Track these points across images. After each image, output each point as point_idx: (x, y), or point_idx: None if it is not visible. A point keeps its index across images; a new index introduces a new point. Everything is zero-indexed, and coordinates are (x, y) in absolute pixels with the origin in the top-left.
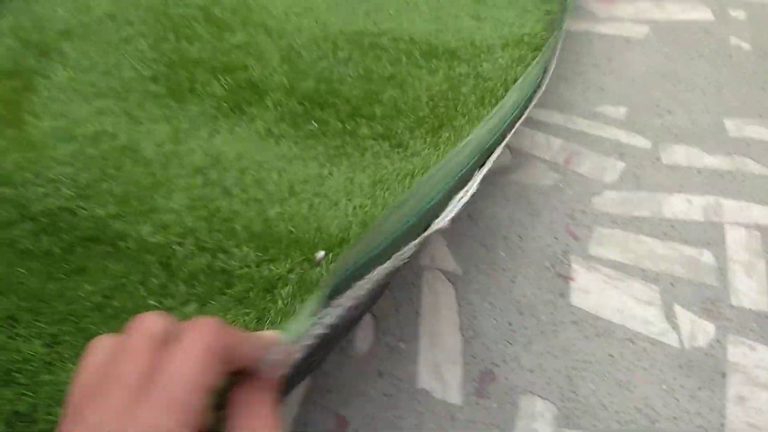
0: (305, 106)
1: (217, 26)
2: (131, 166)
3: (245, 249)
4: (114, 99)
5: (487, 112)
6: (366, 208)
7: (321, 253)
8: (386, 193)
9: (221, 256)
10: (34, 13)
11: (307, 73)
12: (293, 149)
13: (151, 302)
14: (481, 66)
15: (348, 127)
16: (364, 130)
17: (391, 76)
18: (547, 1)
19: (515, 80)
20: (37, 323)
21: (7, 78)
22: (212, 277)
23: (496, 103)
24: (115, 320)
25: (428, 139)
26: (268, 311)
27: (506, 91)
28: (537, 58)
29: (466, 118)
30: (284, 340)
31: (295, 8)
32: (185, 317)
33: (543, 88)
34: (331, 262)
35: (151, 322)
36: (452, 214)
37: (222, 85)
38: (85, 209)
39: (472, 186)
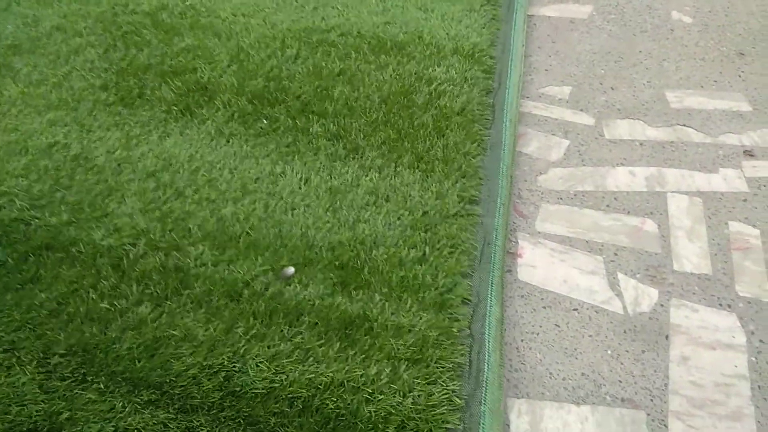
0: (255, 105)
1: (165, 31)
2: (84, 175)
3: (200, 247)
4: (65, 110)
5: (445, 140)
6: (329, 225)
7: (290, 270)
8: (349, 212)
9: (175, 254)
10: None
11: (256, 73)
12: (244, 147)
13: (103, 305)
14: (434, 70)
15: (299, 124)
16: (317, 128)
17: (341, 72)
18: (491, 2)
19: (469, 104)
20: None
21: None
22: (166, 276)
23: (452, 128)
24: (71, 325)
25: (386, 152)
26: (238, 325)
27: (462, 114)
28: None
29: (427, 143)
30: None
31: (243, 9)
32: (140, 319)
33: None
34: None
35: None
36: None
37: (171, 89)
38: (39, 219)
39: None
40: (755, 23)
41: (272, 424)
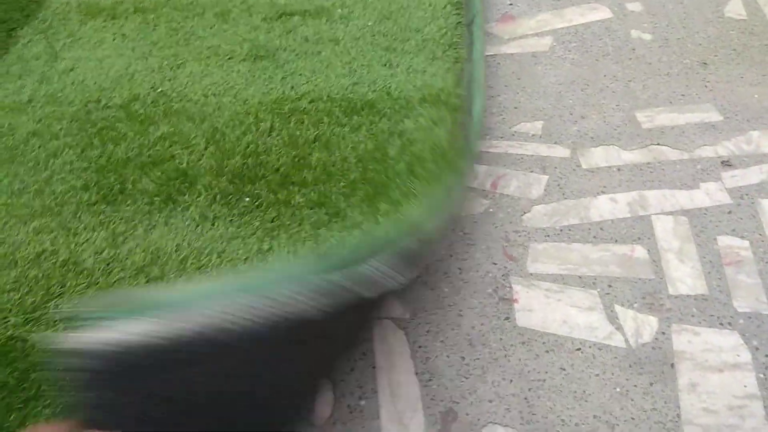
0: (236, 184)
1: (140, 122)
2: (74, 280)
3: None
4: (50, 216)
5: (420, 185)
6: None
7: None
8: None
9: None
10: None
11: (233, 151)
12: (230, 229)
13: None
14: (403, 123)
15: (281, 197)
16: (298, 199)
17: (316, 138)
18: (453, 46)
19: (440, 146)
20: None
21: None
22: None
23: (426, 174)
24: None
25: (365, 209)
26: None
27: (434, 160)
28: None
29: (399, 191)
30: None
31: (214, 89)
32: None
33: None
34: None
35: None
36: None
37: (152, 180)
38: (35, 333)
39: None
40: (713, 30)
41: None
